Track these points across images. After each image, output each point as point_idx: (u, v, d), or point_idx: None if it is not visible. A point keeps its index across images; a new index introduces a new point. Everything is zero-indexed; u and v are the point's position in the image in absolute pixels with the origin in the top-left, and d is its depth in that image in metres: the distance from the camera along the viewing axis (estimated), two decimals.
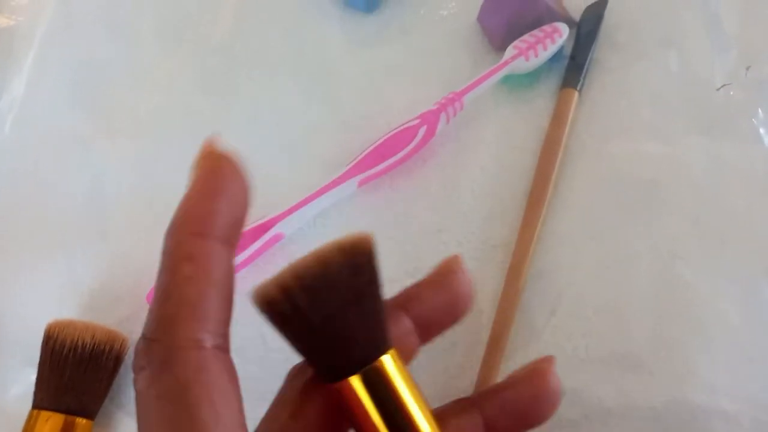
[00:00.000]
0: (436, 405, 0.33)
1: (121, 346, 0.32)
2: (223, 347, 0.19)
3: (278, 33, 0.42)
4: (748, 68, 0.40)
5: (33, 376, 0.32)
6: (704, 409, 0.32)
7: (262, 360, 0.34)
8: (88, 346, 0.30)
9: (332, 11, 0.43)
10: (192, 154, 0.38)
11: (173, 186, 0.38)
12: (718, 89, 0.39)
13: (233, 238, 0.20)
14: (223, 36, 0.42)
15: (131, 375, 0.33)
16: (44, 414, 0.30)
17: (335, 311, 0.20)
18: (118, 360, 0.32)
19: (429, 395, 0.33)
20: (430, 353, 0.34)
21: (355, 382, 0.20)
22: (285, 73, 0.41)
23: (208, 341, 0.18)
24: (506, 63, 0.39)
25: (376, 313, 0.21)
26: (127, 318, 0.34)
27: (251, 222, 0.35)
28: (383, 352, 0.21)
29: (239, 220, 0.21)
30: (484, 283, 0.36)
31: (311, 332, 0.20)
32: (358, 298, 0.21)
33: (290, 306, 0.20)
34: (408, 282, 0.36)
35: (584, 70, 0.40)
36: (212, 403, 0.18)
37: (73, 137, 0.39)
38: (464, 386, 0.34)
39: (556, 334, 0.35)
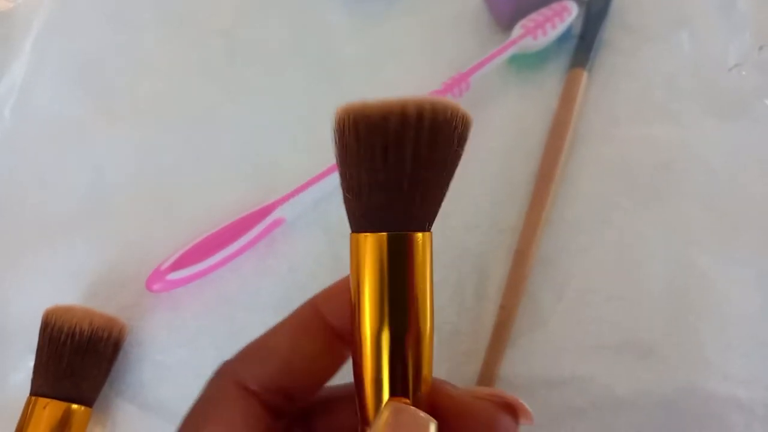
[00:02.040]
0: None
1: (120, 332, 0.31)
2: (266, 398, 0.20)
3: (280, 15, 0.41)
4: (761, 48, 0.38)
5: (33, 363, 0.31)
6: (717, 397, 0.32)
7: None
8: (86, 332, 0.30)
9: None
10: (194, 141, 0.38)
11: (175, 172, 0.38)
12: (729, 70, 0.38)
13: None
14: (224, 19, 0.41)
15: (130, 361, 0.33)
16: (42, 401, 0.29)
17: (429, 162, 0.19)
18: (116, 346, 0.31)
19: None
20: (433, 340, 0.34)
21: (382, 241, 0.19)
22: (287, 56, 0.40)
23: (251, 383, 0.20)
24: (513, 42, 0.38)
25: (445, 186, 0.21)
26: (127, 305, 0.34)
27: (252, 207, 0.34)
28: (428, 229, 0.20)
29: None
30: (491, 269, 0.35)
31: (383, 168, 0.19)
32: (445, 163, 0.20)
33: (386, 130, 0.19)
34: None
35: (593, 50, 0.39)
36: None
37: (74, 123, 0.38)
38: (469, 375, 0.33)
39: (564, 320, 0.34)
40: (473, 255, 0.35)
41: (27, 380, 0.31)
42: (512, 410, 0.21)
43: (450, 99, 0.20)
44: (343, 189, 0.20)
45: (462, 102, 0.37)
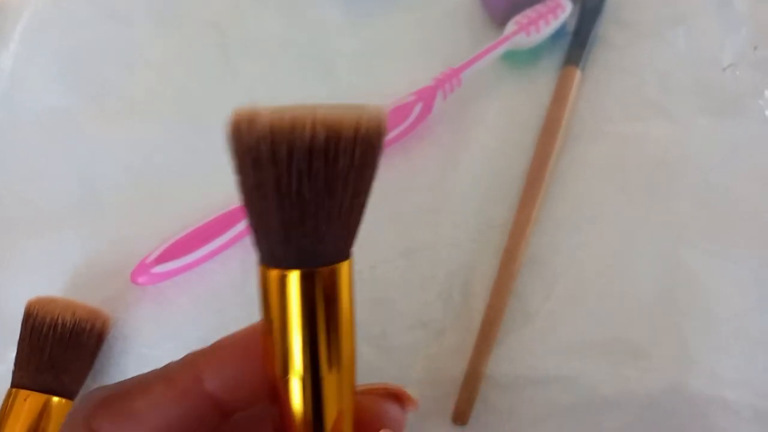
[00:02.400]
0: (429, 392, 0.33)
1: (103, 324, 0.31)
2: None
3: (273, 9, 0.41)
4: (756, 48, 0.38)
5: (14, 354, 0.31)
6: (703, 397, 0.31)
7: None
8: (69, 323, 0.29)
9: None
10: (185, 136, 0.38)
11: (164, 167, 0.38)
12: (724, 69, 0.38)
13: None
14: (216, 13, 0.41)
15: (114, 354, 0.33)
16: (23, 393, 0.29)
17: (327, 188, 0.17)
18: (100, 338, 0.31)
19: (418, 382, 0.33)
20: (417, 338, 0.33)
21: (294, 278, 0.17)
22: (280, 52, 0.40)
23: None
24: (507, 38, 0.37)
25: (358, 210, 0.18)
26: (112, 298, 0.34)
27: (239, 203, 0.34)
28: (344, 259, 0.18)
29: None
30: (479, 267, 0.35)
31: (286, 197, 0.16)
32: (355, 186, 0.17)
33: (281, 154, 0.16)
34: (401, 262, 0.35)
35: (587, 47, 0.38)
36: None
37: (64, 117, 0.38)
38: (455, 374, 0.33)
39: (551, 319, 0.34)
40: (461, 251, 0.35)
41: (9, 372, 0.30)
42: (398, 399, 0.20)
43: (361, 107, 0.17)
44: (246, 215, 0.18)
45: (454, 98, 0.37)
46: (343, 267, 0.18)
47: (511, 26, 0.38)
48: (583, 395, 0.32)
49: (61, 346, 0.29)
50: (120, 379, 0.32)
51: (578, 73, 0.38)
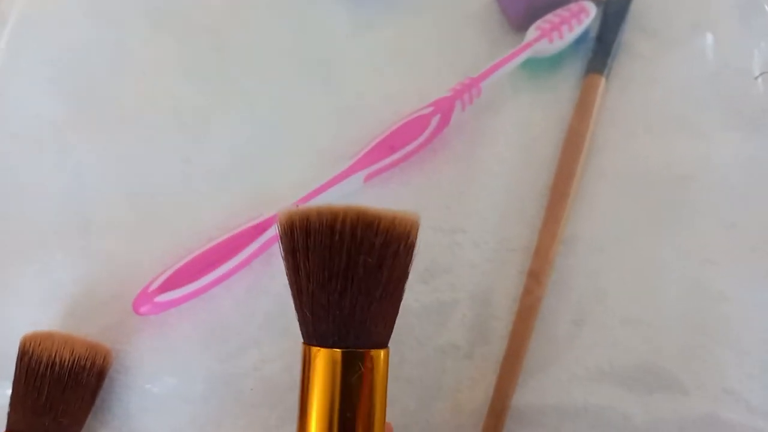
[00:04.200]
0: (451, 423, 0.31)
1: (104, 360, 0.29)
2: None
3: (274, 13, 0.38)
4: None
5: (8, 391, 0.29)
6: (737, 428, 0.30)
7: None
8: (67, 361, 0.27)
9: None
10: (181, 148, 0.35)
11: (160, 182, 0.35)
12: (756, 78, 0.36)
13: None
14: (213, 18, 0.38)
15: (116, 389, 0.31)
16: None
17: (367, 276, 0.19)
18: (101, 376, 0.29)
19: (439, 414, 0.31)
20: (437, 365, 0.32)
21: (335, 356, 0.19)
22: (282, 58, 0.37)
23: None
24: (529, 45, 0.35)
25: (395, 301, 0.21)
26: (111, 326, 0.31)
27: (247, 222, 0.32)
28: (383, 346, 0.20)
29: None
30: (501, 288, 0.33)
31: (344, 280, 0.19)
32: (398, 280, 0.21)
33: (343, 245, 0.19)
34: (420, 288, 0.33)
35: (611, 55, 0.36)
36: None
37: (52, 127, 0.35)
38: (477, 403, 0.31)
39: (577, 345, 0.32)
40: (482, 273, 0.33)
41: (2, 411, 0.28)
42: None
43: (404, 214, 0.21)
44: (294, 296, 0.21)
45: (471, 109, 0.35)
46: (382, 354, 0.20)
47: (532, 32, 0.36)
48: (613, 426, 0.31)
49: (59, 386, 0.27)
50: (122, 417, 0.30)
51: (603, 81, 0.36)
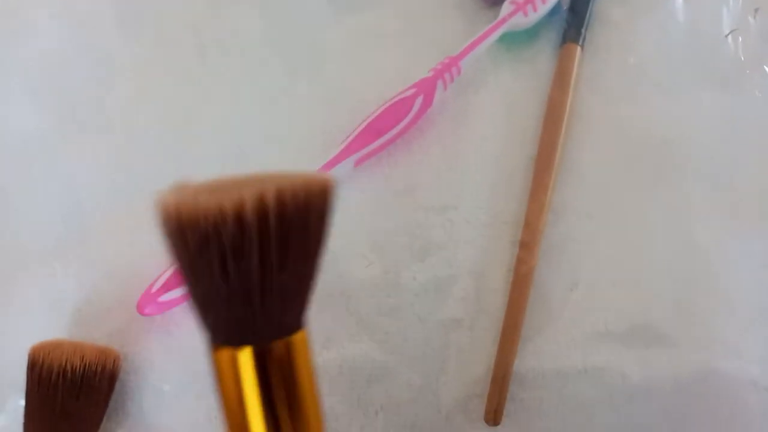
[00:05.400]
0: (457, 394, 0.32)
1: (114, 364, 0.29)
2: None
3: (250, 6, 0.38)
4: (756, 11, 0.37)
5: (21, 402, 0.29)
6: (733, 378, 0.31)
7: None
8: (78, 369, 0.28)
9: None
10: (171, 148, 0.35)
11: (153, 183, 0.35)
12: (726, 36, 0.37)
13: None
14: (193, 12, 0.38)
15: (128, 390, 0.31)
16: None
17: (282, 263, 0.16)
18: (112, 379, 0.29)
19: (443, 384, 0.32)
20: (439, 340, 0.32)
21: (247, 355, 0.16)
22: (264, 48, 0.37)
23: None
24: (504, 20, 0.36)
25: (310, 280, 0.18)
26: (117, 331, 0.32)
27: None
28: (296, 330, 0.17)
29: None
30: (495, 261, 0.34)
31: (233, 275, 0.16)
32: (306, 257, 0.17)
33: (213, 236, 0.15)
34: (417, 266, 0.34)
35: (585, 24, 0.37)
36: None
37: (38, 137, 0.35)
38: (481, 373, 0.32)
39: (573, 310, 0.33)
40: (476, 248, 0.34)
41: (12, 424, 0.29)
42: None
43: (306, 175, 0.17)
44: (187, 296, 0.17)
45: (453, 88, 0.35)
46: (297, 338, 0.17)
47: (507, 7, 0.36)
48: (611, 385, 0.32)
49: (72, 393, 0.28)
50: (136, 416, 0.31)
51: (578, 51, 0.36)
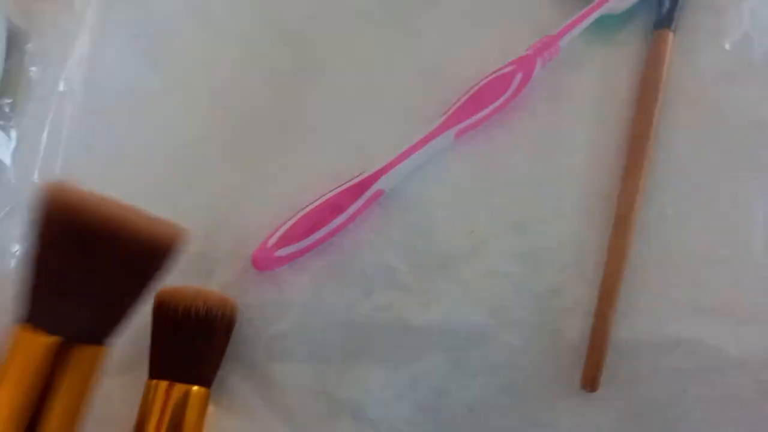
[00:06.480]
0: (553, 361, 0.33)
1: (232, 311, 0.30)
2: None
3: None
4: None
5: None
6: None
7: None
8: (201, 312, 0.29)
9: None
10: (279, 111, 0.37)
11: (263, 144, 0.36)
12: None
13: None
14: None
15: (241, 340, 0.32)
16: (162, 384, 0.28)
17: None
18: (230, 326, 0.30)
19: (540, 350, 0.33)
20: (536, 307, 0.33)
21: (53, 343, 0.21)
22: (367, 28, 0.39)
23: None
24: (604, 1, 0.37)
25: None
26: (228, 284, 0.33)
27: (349, 180, 0.33)
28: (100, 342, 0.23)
29: None
30: (590, 236, 0.35)
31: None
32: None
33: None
34: (513, 237, 0.35)
35: (677, 9, 0.38)
36: None
37: (149, 96, 0.37)
38: (575, 342, 0.33)
39: (665, 285, 0.34)
40: (570, 222, 0.35)
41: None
42: None
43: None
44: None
45: (548, 66, 0.36)
46: (100, 351, 0.23)
47: None
48: (706, 357, 0.32)
49: (196, 334, 0.29)
50: (247, 365, 0.32)
51: (671, 36, 0.37)
